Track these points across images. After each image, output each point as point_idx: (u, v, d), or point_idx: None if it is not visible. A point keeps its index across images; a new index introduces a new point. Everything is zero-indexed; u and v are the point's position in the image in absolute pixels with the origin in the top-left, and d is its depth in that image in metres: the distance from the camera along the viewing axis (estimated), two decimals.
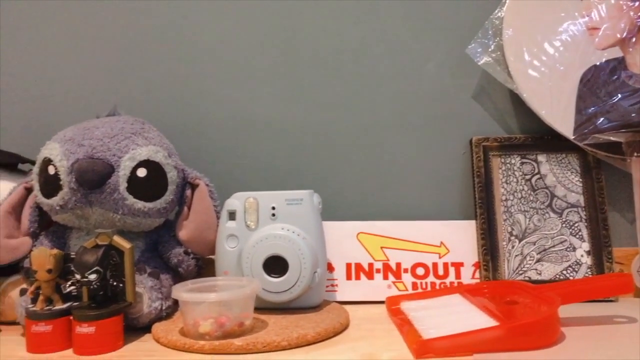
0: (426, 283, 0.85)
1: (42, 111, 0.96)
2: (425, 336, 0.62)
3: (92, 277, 0.64)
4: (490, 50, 0.87)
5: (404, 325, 0.68)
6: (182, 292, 0.65)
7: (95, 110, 0.87)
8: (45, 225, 0.81)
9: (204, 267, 0.83)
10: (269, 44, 0.94)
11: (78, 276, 0.64)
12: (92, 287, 0.64)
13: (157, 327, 0.69)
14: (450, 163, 0.92)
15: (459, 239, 0.86)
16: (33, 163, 0.86)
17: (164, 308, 0.73)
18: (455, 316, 0.67)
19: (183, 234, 0.80)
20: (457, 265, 0.85)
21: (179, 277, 0.80)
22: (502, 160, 0.89)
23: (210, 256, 0.82)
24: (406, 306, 0.76)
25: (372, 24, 0.93)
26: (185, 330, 0.66)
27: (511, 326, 0.61)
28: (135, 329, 0.70)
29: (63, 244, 0.80)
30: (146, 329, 0.71)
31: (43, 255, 0.66)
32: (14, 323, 0.77)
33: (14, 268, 0.79)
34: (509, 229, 0.86)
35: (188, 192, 0.81)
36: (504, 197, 0.87)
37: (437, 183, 0.92)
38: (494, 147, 0.89)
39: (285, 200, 0.77)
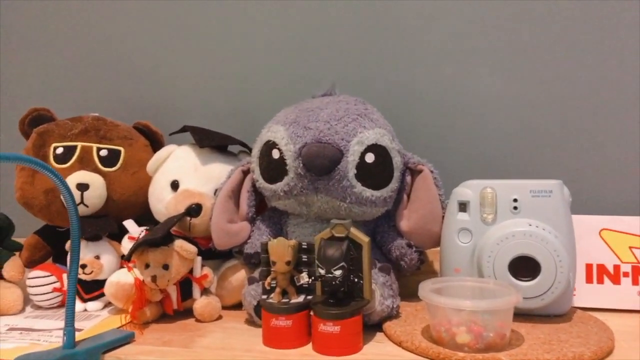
0: None
1: (249, 92, 0.94)
2: None
3: (337, 273, 0.59)
4: None
5: None
6: (431, 293, 0.59)
7: (301, 91, 0.82)
8: (260, 210, 0.79)
9: (425, 261, 0.76)
10: (490, 12, 0.83)
11: (322, 271, 0.59)
12: (335, 283, 0.60)
13: (392, 328, 0.64)
14: None
15: None
16: (243, 145, 0.84)
17: (394, 306, 0.67)
18: None
19: (405, 224, 0.73)
20: None
21: (399, 271, 0.74)
22: None
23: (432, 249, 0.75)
24: None
25: None
26: (435, 337, 0.59)
27: None
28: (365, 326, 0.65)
29: (279, 230, 0.77)
30: (374, 326, 0.66)
31: (282, 247, 0.63)
32: (233, 307, 0.76)
33: (229, 252, 0.78)
34: None
35: (408, 178, 0.74)
36: None
37: None
38: None
39: (530, 191, 0.67)
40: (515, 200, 0.67)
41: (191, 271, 0.72)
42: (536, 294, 0.64)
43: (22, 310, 0.78)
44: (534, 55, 0.82)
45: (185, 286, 0.72)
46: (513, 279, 0.64)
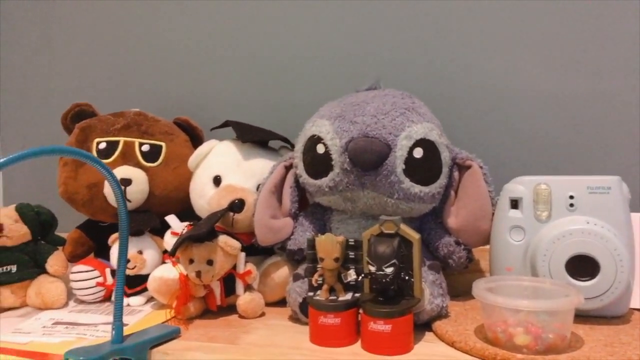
0: None
1: (289, 87, 0.93)
2: None
3: (389, 270, 0.57)
4: None
5: None
6: (487, 292, 0.57)
7: (342, 85, 0.81)
8: (302, 205, 0.78)
9: (474, 259, 0.73)
10: (540, 4, 0.80)
11: (373, 268, 0.58)
12: (386, 280, 0.58)
13: (443, 328, 0.62)
14: None
15: None
16: (285, 140, 0.83)
17: (444, 305, 0.65)
18: None
19: (453, 221, 0.71)
20: None
21: (444, 269, 0.72)
22: None
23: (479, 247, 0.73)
24: None
25: None
26: (491, 338, 0.57)
27: None
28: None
29: (322, 226, 0.75)
30: (422, 326, 0.64)
31: (330, 243, 0.61)
32: (274, 304, 0.75)
33: (271, 248, 0.77)
34: None
35: (456, 174, 0.72)
36: None
37: None
38: None
39: (587, 187, 0.64)
40: (571, 197, 0.65)
41: (234, 267, 0.71)
42: (595, 294, 0.61)
43: (66, 304, 0.79)
44: (588, 48, 0.79)
45: (228, 282, 0.71)
46: (571, 279, 0.62)
